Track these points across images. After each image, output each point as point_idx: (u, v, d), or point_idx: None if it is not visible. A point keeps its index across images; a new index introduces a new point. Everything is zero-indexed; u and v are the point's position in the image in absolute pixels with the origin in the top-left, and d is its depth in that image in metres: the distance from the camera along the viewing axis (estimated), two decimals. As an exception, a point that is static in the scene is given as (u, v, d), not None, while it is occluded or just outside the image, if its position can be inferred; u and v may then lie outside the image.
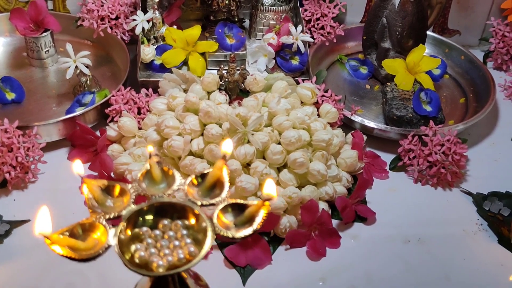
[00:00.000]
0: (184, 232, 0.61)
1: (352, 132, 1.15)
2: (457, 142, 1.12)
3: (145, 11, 1.25)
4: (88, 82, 1.20)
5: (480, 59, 1.41)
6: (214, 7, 1.27)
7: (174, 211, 0.62)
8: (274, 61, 1.26)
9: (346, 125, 1.19)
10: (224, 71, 1.13)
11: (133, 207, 0.62)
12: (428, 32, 1.40)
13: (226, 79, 1.13)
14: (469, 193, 1.12)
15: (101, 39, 1.32)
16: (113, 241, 0.59)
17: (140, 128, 1.11)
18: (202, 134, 1.02)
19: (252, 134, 1.00)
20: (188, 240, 0.60)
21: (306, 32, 1.31)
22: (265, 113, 1.05)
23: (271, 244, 0.99)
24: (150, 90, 1.17)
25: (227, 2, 1.26)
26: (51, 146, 1.13)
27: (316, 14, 1.35)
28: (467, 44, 1.49)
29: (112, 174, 1.04)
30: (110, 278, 0.93)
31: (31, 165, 1.07)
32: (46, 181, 1.08)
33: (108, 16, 1.29)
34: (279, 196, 0.98)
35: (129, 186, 0.65)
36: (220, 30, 1.25)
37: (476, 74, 1.36)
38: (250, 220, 0.61)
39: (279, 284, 0.95)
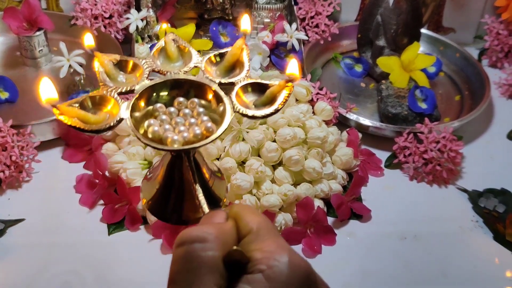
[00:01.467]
0: (201, 110, 0.57)
1: (347, 129, 1.15)
2: (453, 139, 1.12)
3: (139, 10, 1.24)
4: (82, 81, 1.19)
5: (475, 57, 1.41)
6: (208, 6, 1.27)
7: (191, 88, 0.58)
8: (268, 59, 1.25)
9: (342, 123, 1.19)
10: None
11: (147, 82, 0.58)
12: (423, 30, 1.40)
13: (221, 77, 1.12)
14: (464, 190, 1.12)
15: (94, 38, 1.31)
16: (126, 114, 0.55)
17: (134, 127, 1.10)
18: (197, 132, 1.01)
19: (247, 132, 1.00)
20: (205, 118, 0.56)
21: (301, 30, 1.31)
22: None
23: (267, 242, 0.99)
24: (145, 88, 1.17)
25: (221, 0, 1.26)
26: (45, 145, 1.12)
27: (311, 12, 1.35)
28: (462, 42, 1.49)
29: (106, 173, 1.04)
30: (106, 277, 0.93)
31: (25, 164, 1.07)
32: (41, 180, 1.08)
33: (102, 15, 1.29)
34: (274, 194, 0.98)
35: (143, 61, 0.61)
36: (214, 28, 1.24)
37: (471, 71, 1.36)
38: (271, 101, 0.57)
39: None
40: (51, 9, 1.41)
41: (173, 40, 0.63)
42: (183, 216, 0.58)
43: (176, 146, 0.53)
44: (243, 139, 1.00)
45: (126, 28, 1.25)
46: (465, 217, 1.07)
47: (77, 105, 0.56)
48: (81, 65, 1.18)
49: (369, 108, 1.27)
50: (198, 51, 0.64)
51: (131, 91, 0.58)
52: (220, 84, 0.58)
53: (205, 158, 0.60)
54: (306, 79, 1.18)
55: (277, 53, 1.25)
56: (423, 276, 0.97)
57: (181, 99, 0.58)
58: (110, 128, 0.54)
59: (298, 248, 0.99)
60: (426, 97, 1.19)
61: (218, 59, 0.62)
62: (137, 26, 1.22)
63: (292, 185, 1.00)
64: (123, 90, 0.58)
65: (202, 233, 0.49)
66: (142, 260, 0.96)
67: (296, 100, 1.13)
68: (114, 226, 1.00)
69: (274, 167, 1.02)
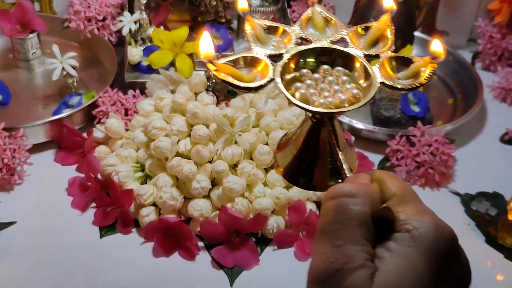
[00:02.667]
0: (345, 78, 0.59)
1: (340, 133, 1.14)
2: (445, 142, 1.12)
3: (132, 12, 1.24)
4: (75, 83, 1.19)
5: (469, 60, 1.41)
6: (202, 8, 1.27)
7: (336, 57, 0.60)
8: (262, 62, 1.25)
9: (334, 126, 1.19)
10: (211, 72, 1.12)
11: (297, 47, 0.60)
12: (416, 33, 1.40)
13: (214, 80, 1.12)
14: (457, 193, 1.12)
15: (88, 41, 1.32)
16: (277, 76, 0.57)
17: (127, 130, 1.11)
18: (189, 135, 1.01)
19: (240, 135, 1.00)
20: (349, 86, 0.58)
21: (294, 33, 1.31)
22: (253, 114, 1.05)
23: (259, 245, 0.99)
24: (138, 91, 1.17)
25: (214, 3, 1.26)
26: (37, 148, 1.12)
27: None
28: (455, 45, 1.49)
29: (99, 176, 1.04)
30: (98, 280, 0.93)
31: (17, 166, 1.06)
32: (33, 183, 1.08)
33: (95, 17, 1.29)
34: (267, 197, 0.98)
35: (292, 28, 0.63)
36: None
37: (465, 75, 1.36)
38: (415, 75, 0.59)
39: (266, 285, 0.94)
40: (44, 11, 1.41)
41: (320, 12, 0.65)
42: (313, 182, 0.60)
43: (323, 110, 0.55)
44: (236, 142, 1.00)
45: (119, 31, 1.25)
46: (457, 220, 1.07)
47: (230, 63, 0.58)
48: (74, 67, 1.18)
49: (362, 111, 1.27)
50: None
51: (280, 55, 0.60)
52: (365, 55, 0.60)
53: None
54: (299, 82, 1.18)
55: (271, 56, 1.25)
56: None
57: (326, 66, 0.59)
58: (262, 87, 0.56)
59: (290, 252, 0.99)
60: (419, 100, 1.20)
61: (363, 31, 0.64)
62: (130, 29, 1.22)
63: (284, 188, 1.00)
64: (273, 53, 0.60)
65: (353, 189, 0.50)
66: (134, 263, 0.96)
67: (289, 103, 1.13)
68: (106, 229, 1.00)
69: (267, 170, 1.02)
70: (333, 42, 0.62)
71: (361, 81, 0.59)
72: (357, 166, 1.12)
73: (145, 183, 1.03)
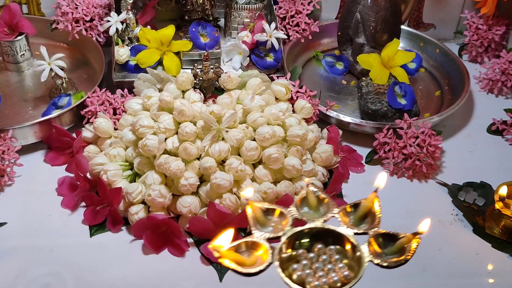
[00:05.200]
0: (337, 257, 0.65)
1: (327, 127, 1.15)
2: (432, 134, 1.13)
3: (119, 13, 1.25)
4: (64, 84, 1.20)
5: (456, 52, 1.42)
6: (188, 7, 1.28)
7: (329, 236, 0.67)
8: (248, 58, 1.26)
9: (323, 120, 1.20)
10: (198, 70, 1.13)
11: (293, 229, 0.67)
12: (403, 27, 1.41)
13: (201, 78, 1.13)
14: (444, 184, 1.13)
15: (76, 42, 1.32)
16: (275, 260, 0.63)
17: (115, 129, 1.11)
18: (176, 133, 1.02)
19: (227, 131, 1.00)
20: (341, 265, 0.64)
21: (281, 29, 1.32)
22: (240, 110, 1.06)
23: (248, 240, 1.00)
24: (126, 90, 1.17)
25: (201, 1, 1.26)
26: (27, 149, 1.13)
27: (291, 11, 1.36)
28: (442, 38, 1.50)
29: (88, 175, 1.04)
30: (87, 279, 0.93)
31: (7, 168, 1.07)
32: (23, 183, 1.08)
33: (83, 18, 1.29)
34: (255, 192, 0.99)
35: (288, 209, 0.70)
36: (194, 29, 1.25)
37: (451, 67, 1.37)
38: (400, 250, 0.66)
39: (256, 279, 0.95)
40: (32, 13, 1.41)
41: (313, 191, 0.72)
42: None
43: None
44: (223, 139, 1.00)
45: (107, 31, 1.26)
46: (445, 211, 1.08)
47: (233, 249, 0.64)
48: (62, 68, 1.18)
49: (350, 105, 1.28)
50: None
51: (278, 237, 0.66)
52: (355, 234, 0.67)
53: None
54: (286, 78, 1.19)
55: (257, 53, 1.25)
56: (402, 271, 0.96)
57: (320, 245, 0.66)
58: (261, 271, 0.63)
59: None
60: (406, 93, 1.20)
61: (352, 209, 0.71)
62: (117, 29, 1.22)
63: (272, 182, 1.01)
64: (271, 236, 0.67)
65: None
66: (124, 260, 0.97)
67: (276, 98, 1.14)
68: (96, 227, 1.01)
69: (254, 166, 1.03)
70: (325, 221, 0.69)
71: (352, 257, 0.66)
72: (345, 159, 1.13)
73: (134, 181, 1.04)
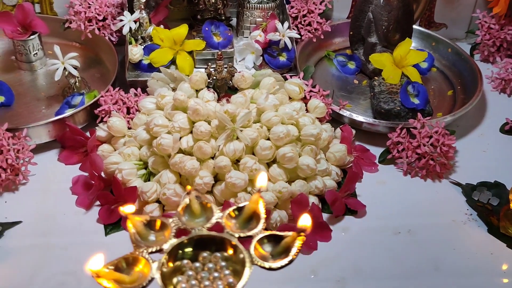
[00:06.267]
0: (223, 263, 0.64)
1: (341, 126, 1.15)
2: (445, 133, 1.13)
3: (132, 12, 1.25)
4: (77, 83, 1.20)
5: (467, 52, 1.42)
6: (201, 6, 1.28)
7: (213, 243, 0.65)
8: (261, 58, 1.26)
9: (335, 120, 1.20)
10: (211, 69, 1.14)
11: (174, 240, 0.65)
12: (415, 26, 1.41)
13: (214, 77, 1.13)
14: (458, 184, 1.12)
15: (89, 41, 1.33)
16: (156, 274, 0.61)
17: (129, 128, 1.11)
18: (191, 132, 1.02)
19: (241, 131, 1.00)
20: (227, 272, 0.63)
21: (293, 29, 1.32)
22: (254, 110, 1.06)
23: (262, 239, 1.00)
24: (139, 89, 1.18)
25: (213, 0, 1.26)
26: (41, 148, 1.13)
27: (303, 11, 1.36)
28: (454, 37, 1.50)
29: (102, 174, 1.05)
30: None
31: (22, 167, 1.07)
32: (37, 182, 1.09)
33: (96, 17, 1.29)
34: (269, 191, 0.99)
35: (170, 220, 0.67)
36: (207, 29, 1.25)
37: (464, 66, 1.37)
38: (286, 251, 0.64)
39: (270, 278, 0.95)
40: (45, 13, 1.42)
41: (196, 197, 0.69)
42: None
43: None
44: (237, 138, 1.00)
45: (120, 30, 1.26)
46: (459, 210, 1.08)
47: (112, 267, 0.62)
48: (75, 67, 1.18)
49: (362, 105, 1.28)
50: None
51: (160, 250, 0.64)
52: (239, 237, 0.65)
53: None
54: (299, 77, 1.19)
55: (270, 52, 1.25)
56: (417, 270, 0.98)
57: (205, 254, 0.64)
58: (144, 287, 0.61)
59: (293, 245, 0.99)
60: (418, 92, 1.20)
61: (236, 212, 0.68)
62: (130, 28, 1.23)
63: (286, 182, 1.01)
64: (153, 250, 0.64)
65: None
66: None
67: (290, 98, 1.14)
68: (111, 226, 1.01)
69: (269, 165, 1.03)
70: (210, 228, 0.66)
71: (237, 262, 0.63)
72: (359, 159, 1.13)
73: (149, 180, 1.04)
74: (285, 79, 1.18)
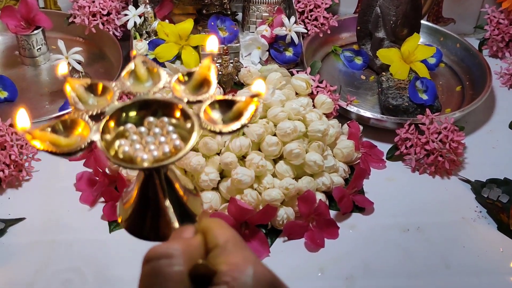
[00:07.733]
0: (170, 128, 0.58)
1: (348, 122, 1.14)
2: (454, 129, 1.11)
3: (136, 6, 1.24)
4: (81, 79, 1.19)
5: (476, 47, 1.40)
6: (206, 1, 1.26)
7: (160, 108, 0.60)
8: (268, 53, 1.25)
9: (342, 115, 1.19)
10: (217, 64, 1.12)
11: (116, 103, 0.59)
12: (423, 21, 1.39)
13: (220, 72, 1.12)
14: (467, 181, 1.11)
15: (93, 36, 1.32)
16: (96, 136, 0.56)
17: (134, 123, 1.10)
18: (196, 127, 1.01)
19: (247, 126, 0.99)
20: (174, 136, 0.58)
21: (300, 24, 1.30)
22: (260, 105, 1.05)
23: (269, 236, 0.98)
24: (144, 85, 1.16)
25: (219, -5, 1.25)
26: (44, 144, 1.12)
27: (309, 5, 1.34)
28: (462, 32, 1.48)
29: (107, 170, 1.03)
30: (107, 275, 0.92)
31: (25, 163, 1.06)
32: (41, 178, 1.08)
33: (100, 12, 1.28)
34: (276, 188, 0.98)
35: (113, 84, 0.62)
36: (212, 23, 1.24)
37: (472, 62, 1.36)
38: (238, 116, 0.58)
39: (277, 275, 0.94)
40: (48, 7, 1.41)
41: (143, 62, 0.63)
42: (160, 233, 0.59)
43: (146, 165, 0.55)
44: (243, 134, 0.99)
45: (124, 25, 1.25)
46: (468, 207, 1.07)
47: (49, 129, 0.56)
48: (79, 62, 1.17)
49: (370, 101, 1.26)
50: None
51: (102, 113, 0.59)
52: (188, 102, 0.60)
53: (179, 176, 0.62)
54: (306, 72, 1.17)
55: (277, 47, 1.24)
56: (426, 267, 0.96)
57: (151, 118, 0.59)
58: (81, 150, 0.55)
59: (300, 242, 0.98)
60: (427, 88, 1.19)
61: (186, 78, 0.63)
62: (135, 23, 1.21)
63: (293, 178, 1.00)
64: (94, 113, 0.59)
65: (167, 249, 0.50)
66: (143, 257, 0.95)
67: (296, 93, 1.12)
68: (116, 223, 1.00)
69: (275, 161, 1.02)
70: (156, 92, 0.61)
71: (185, 127, 0.58)
72: (366, 155, 1.11)
73: (153, 176, 1.03)
74: (292, 74, 1.17)
